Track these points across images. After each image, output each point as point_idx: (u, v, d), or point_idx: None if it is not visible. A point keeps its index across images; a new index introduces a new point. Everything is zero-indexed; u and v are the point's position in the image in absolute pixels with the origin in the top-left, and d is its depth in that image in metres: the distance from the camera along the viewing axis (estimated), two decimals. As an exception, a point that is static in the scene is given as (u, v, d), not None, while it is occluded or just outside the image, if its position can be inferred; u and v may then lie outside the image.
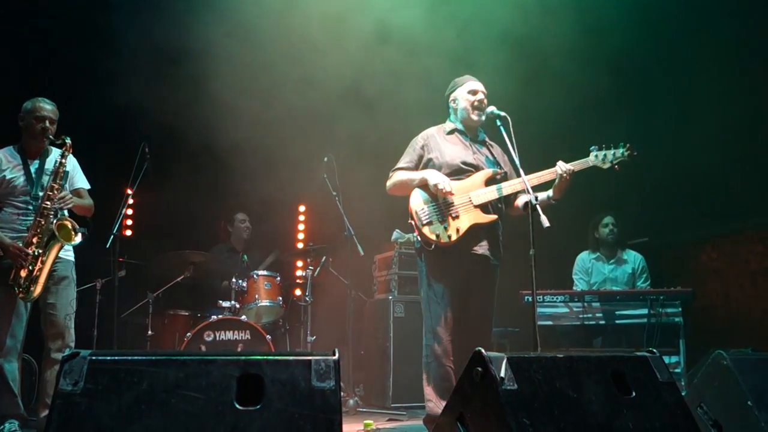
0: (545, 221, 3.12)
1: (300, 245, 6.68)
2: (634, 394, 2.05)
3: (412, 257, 5.11)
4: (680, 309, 4.61)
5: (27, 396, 4.26)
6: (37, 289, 3.53)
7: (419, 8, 5.22)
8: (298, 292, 5.85)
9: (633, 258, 5.28)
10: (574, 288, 5.18)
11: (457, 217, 3.43)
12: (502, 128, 3.45)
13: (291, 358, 1.84)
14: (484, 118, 3.61)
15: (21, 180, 3.67)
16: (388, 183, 3.71)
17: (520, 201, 3.64)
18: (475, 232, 3.44)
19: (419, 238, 3.50)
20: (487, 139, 3.79)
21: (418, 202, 3.49)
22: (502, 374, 1.91)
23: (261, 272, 5.17)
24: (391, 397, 4.95)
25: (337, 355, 1.85)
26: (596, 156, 3.54)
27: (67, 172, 3.73)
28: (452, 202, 3.45)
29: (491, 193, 3.49)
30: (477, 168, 3.58)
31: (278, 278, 5.22)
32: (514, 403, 1.87)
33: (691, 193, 5.67)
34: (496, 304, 3.60)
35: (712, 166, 5.35)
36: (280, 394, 1.76)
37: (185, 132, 5.33)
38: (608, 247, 5.28)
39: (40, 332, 3.68)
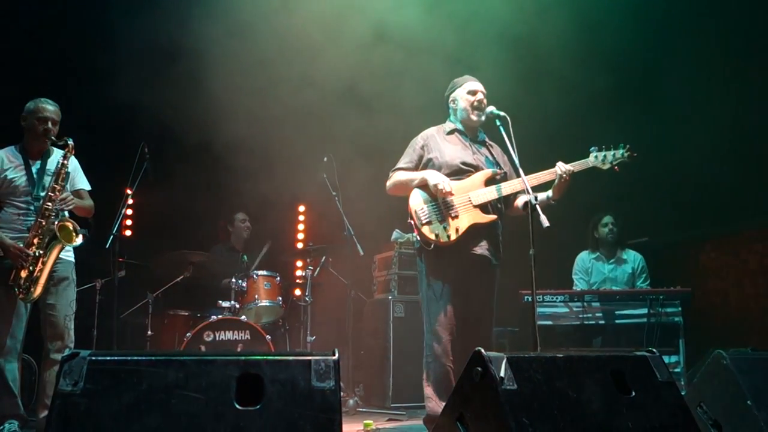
0: (545, 221, 3.12)
1: (300, 245, 6.68)
2: (633, 393, 2.05)
3: (411, 257, 5.12)
4: (680, 309, 4.61)
5: (27, 396, 4.26)
6: (38, 290, 3.53)
7: (418, 8, 5.22)
8: (297, 292, 5.84)
9: (633, 258, 5.28)
10: (574, 288, 5.18)
11: (456, 216, 3.43)
12: (501, 128, 3.45)
13: (291, 358, 1.85)
14: (483, 118, 3.61)
15: (22, 180, 3.67)
16: (388, 183, 3.71)
17: (520, 201, 3.64)
18: (474, 232, 3.45)
19: (419, 238, 3.50)
20: (486, 140, 3.79)
21: (417, 201, 3.49)
22: (502, 374, 1.91)
23: (261, 272, 5.16)
24: (391, 397, 4.95)
25: (336, 355, 1.85)
26: (596, 157, 3.54)
27: (69, 173, 3.72)
28: (452, 202, 3.44)
29: (491, 193, 3.49)
30: (477, 168, 3.58)
31: (278, 278, 5.22)
32: (513, 403, 1.87)
33: (691, 193, 5.66)
34: (496, 304, 3.60)
35: (712, 166, 5.35)
36: (279, 394, 1.76)
37: (185, 132, 5.33)
38: (608, 247, 5.28)
39: (39, 332, 3.67)
